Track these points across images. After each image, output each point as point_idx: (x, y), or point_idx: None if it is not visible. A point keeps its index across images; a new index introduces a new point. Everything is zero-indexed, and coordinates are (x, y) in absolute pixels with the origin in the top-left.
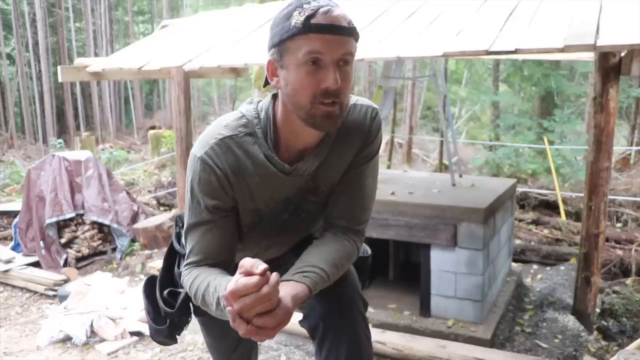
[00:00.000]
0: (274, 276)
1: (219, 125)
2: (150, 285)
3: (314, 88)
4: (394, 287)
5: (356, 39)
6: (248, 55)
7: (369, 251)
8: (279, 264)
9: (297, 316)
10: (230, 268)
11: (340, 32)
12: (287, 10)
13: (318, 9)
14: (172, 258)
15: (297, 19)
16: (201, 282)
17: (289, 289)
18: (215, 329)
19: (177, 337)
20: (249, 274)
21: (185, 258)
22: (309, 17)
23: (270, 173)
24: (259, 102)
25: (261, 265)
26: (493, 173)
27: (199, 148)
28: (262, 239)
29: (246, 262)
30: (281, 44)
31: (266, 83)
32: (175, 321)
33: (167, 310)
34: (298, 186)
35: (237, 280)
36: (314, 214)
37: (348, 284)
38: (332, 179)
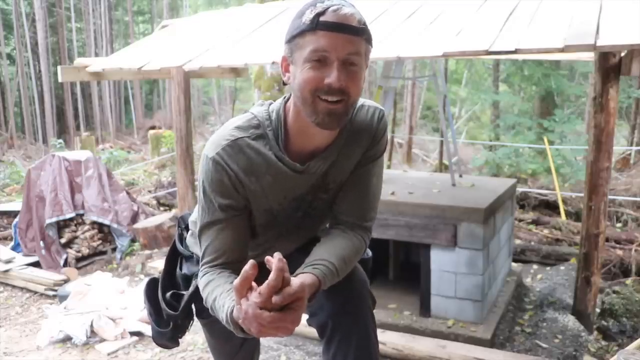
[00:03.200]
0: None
1: (230, 127)
2: (152, 288)
3: (317, 83)
4: (394, 287)
5: (367, 40)
6: (248, 55)
7: (370, 253)
8: (287, 262)
9: (304, 315)
10: (242, 266)
11: (349, 31)
12: (302, 7)
13: (329, 7)
14: (175, 260)
15: (308, 16)
16: (211, 291)
17: (299, 279)
18: (218, 331)
19: (179, 339)
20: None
21: (201, 258)
22: (318, 15)
23: (282, 172)
24: (270, 104)
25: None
26: (493, 173)
27: (210, 149)
28: (275, 238)
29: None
30: (292, 41)
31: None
32: (179, 324)
33: (170, 313)
34: (310, 184)
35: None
36: (323, 212)
37: (357, 281)
38: (340, 177)
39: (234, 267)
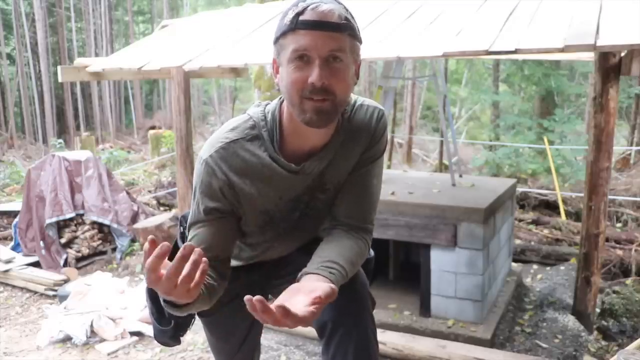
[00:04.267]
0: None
1: (226, 129)
2: None
3: (301, 83)
4: (394, 287)
5: (352, 35)
6: (248, 55)
7: (372, 253)
8: (288, 262)
9: None
10: (223, 266)
11: (328, 27)
12: (286, 8)
13: (308, 6)
14: None
15: (289, 16)
16: None
17: (320, 286)
18: (219, 330)
19: (181, 338)
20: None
21: None
22: (297, 14)
23: (277, 173)
24: (266, 105)
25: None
26: (493, 173)
27: (205, 151)
28: (274, 239)
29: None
30: (277, 42)
31: None
32: (180, 322)
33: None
34: (306, 185)
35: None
36: (321, 212)
37: (357, 282)
38: (338, 177)
39: (211, 264)
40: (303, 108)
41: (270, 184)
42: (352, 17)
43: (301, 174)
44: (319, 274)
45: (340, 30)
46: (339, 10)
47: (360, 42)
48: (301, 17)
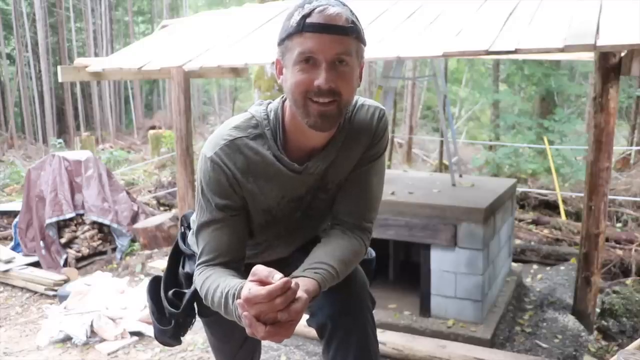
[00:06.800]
0: (294, 285)
1: (228, 126)
2: (154, 286)
3: (307, 85)
4: (394, 287)
5: (358, 38)
6: (248, 55)
7: (373, 254)
8: (288, 263)
9: (304, 317)
10: (240, 267)
11: (335, 30)
12: (291, 10)
13: (315, 8)
14: (177, 258)
15: (295, 18)
16: (211, 283)
17: (301, 285)
18: (219, 330)
19: (181, 337)
20: (263, 282)
21: (197, 258)
22: (304, 17)
23: (280, 172)
24: (269, 104)
25: (277, 275)
26: (493, 173)
27: (208, 148)
28: (275, 238)
29: (260, 270)
30: (282, 43)
31: None
32: (180, 322)
33: (172, 310)
34: (309, 185)
35: (250, 289)
36: (323, 212)
37: (357, 282)
38: (339, 177)
39: (231, 266)
40: (307, 111)
41: (273, 183)
42: (358, 20)
43: (304, 173)
44: (304, 277)
45: (347, 34)
46: (345, 14)
47: (365, 44)
48: (308, 20)
